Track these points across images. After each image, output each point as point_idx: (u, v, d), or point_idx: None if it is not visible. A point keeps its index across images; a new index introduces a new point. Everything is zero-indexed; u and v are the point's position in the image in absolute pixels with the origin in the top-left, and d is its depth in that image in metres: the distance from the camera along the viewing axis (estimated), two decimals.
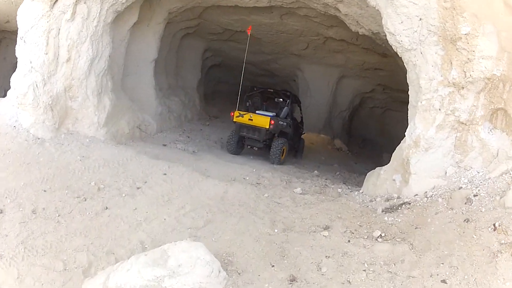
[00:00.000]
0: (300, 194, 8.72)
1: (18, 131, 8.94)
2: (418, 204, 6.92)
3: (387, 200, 7.77)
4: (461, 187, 6.66)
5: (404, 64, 8.38)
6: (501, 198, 5.83)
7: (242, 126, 12.88)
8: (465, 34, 6.93)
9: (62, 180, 7.52)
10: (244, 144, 13.48)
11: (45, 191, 7.08)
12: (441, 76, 7.41)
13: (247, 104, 14.22)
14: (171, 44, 17.39)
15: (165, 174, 8.75)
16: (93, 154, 9.04)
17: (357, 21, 11.31)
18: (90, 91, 10.31)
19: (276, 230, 6.66)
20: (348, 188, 9.88)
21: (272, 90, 14.77)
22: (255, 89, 14.15)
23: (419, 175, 7.60)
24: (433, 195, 6.96)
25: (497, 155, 6.90)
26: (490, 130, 7.10)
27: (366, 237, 6.33)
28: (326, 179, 11.50)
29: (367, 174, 9.42)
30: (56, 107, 9.56)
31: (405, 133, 8.26)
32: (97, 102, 10.48)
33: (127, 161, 9.12)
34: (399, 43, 8.10)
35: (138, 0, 11.56)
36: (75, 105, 10.12)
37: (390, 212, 7.04)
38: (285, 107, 13.80)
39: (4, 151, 8.21)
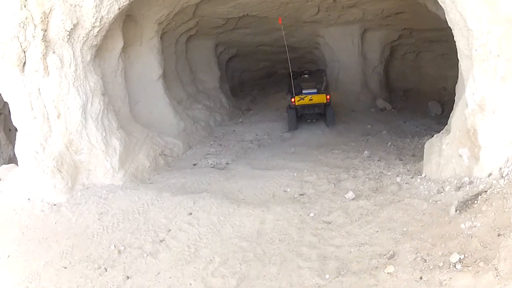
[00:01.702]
0: (354, 199, 7.59)
1: (33, 203, 8.46)
2: (496, 191, 5.62)
3: (458, 188, 6.49)
4: None
5: (440, 2, 7.03)
6: None
7: (303, 106, 15.25)
8: None
9: (81, 250, 6.97)
10: (302, 119, 15.79)
11: (65, 268, 6.58)
12: (489, 11, 6.01)
13: (289, 87, 15.76)
14: (177, 52, 16.82)
15: (190, 213, 7.79)
16: (111, 207, 8.41)
17: None
18: (93, 139, 9.63)
19: (327, 276, 5.44)
20: (408, 171, 8.67)
21: (307, 71, 17.27)
22: (293, 75, 15.43)
23: (491, 148, 6.32)
24: (509, 173, 5.78)
25: None
26: None
27: (442, 264, 4.92)
28: (379, 159, 10.31)
29: (425, 147, 8.21)
30: (63, 167, 8.97)
31: (465, 95, 6.83)
32: (105, 147, 9.78)
33: (148, 207, 8.30)
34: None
35: (114, 26, 10.61)
36: (83, 157, 9.50)
37: (466, 210, 5.70)
38: (324, 82, 16.03)
39: (22, 229, 7.82)
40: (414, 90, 23.57)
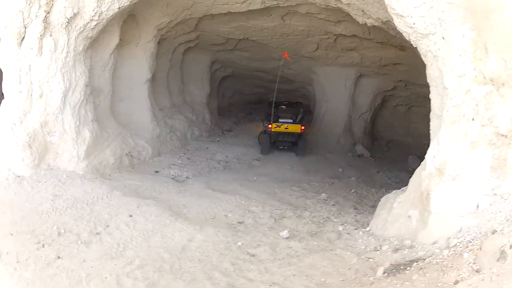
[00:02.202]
0: (286, 238, 7.40)
1: (0, 169, 8.78)
2: (435, 262, 5.23)
3: (396, 250, 6.14)
4: (496, 230, 5.00)
5: (422, 57, 6.71)
6: None
7: (278, 133, 16.12)
8: (500, 2, 5.16)
9: (29, 223, 7.25)
10: (275, 145, 16.53)
11: (12, 234, 6.87)
12: (474, 69, 5.60)
13: (267, 114, 17.10)
14: (172, 61, 16.88)
15: (131, 216, 7.96)
16: (66, 192, 8.61)
17: (362, 10, 10.03)
18: (67, 125, 9.88)
19: None
20: (356, 221, 8.50)
21: (286, 102, 18.41)
22: (273, 102, 16.65)
23: (442, 215, 5.87)
24: (458, 245, 5.31)
25: None
26: None
27: None
28: (334, 204, 10.21)
29: (380, 202, 7.87)
30: (34, 144, 9.25)
31: (426, 156, 6.52)
32: (76, 135, 10.00)
33: (96, 200, 8.51)
34: (410, 27, 6.34)
35: (113, 22, 10.85)
36: (54, 139, 9.74)
37: (395, 275, 5.31)
38: (300, 114, 16.85)
39: None
40: (399, 142, 23.26)
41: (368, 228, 7.51)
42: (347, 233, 7.58)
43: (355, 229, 7.76)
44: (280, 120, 16.23)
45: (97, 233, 7.19)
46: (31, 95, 9.29)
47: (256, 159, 15.47)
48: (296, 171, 14.13)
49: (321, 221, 8.59)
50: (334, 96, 19.79)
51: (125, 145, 11.78)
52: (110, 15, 9.81)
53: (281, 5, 12.18)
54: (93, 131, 10.50)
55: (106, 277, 5.89)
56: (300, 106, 17.79)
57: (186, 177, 11.74)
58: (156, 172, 11.80)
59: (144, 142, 12.81)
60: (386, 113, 23.83)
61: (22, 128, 9.06)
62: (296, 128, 16.19)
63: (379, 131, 23.90)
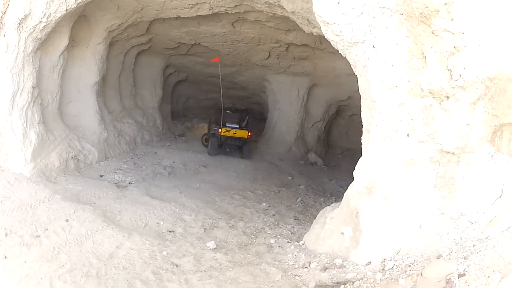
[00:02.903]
0: (213, 249, 7.32)
1: None
2: (365, 285, 4.84)
3: (325, 269, 5.79)
4: (441, 255, 4.52)
5: (352, 67, 6.26)
6: (502, 278, 3.52)
7: (227, 137, 17.28)
8: (445, 3, 4.57)
9: None
10: (222, 148, 17.56)
11: None
12: (409, 80, 5.13)
13: (212, 119, 19.25)
14: (124, 63, 16.72)
15: (67, 220, 7.98)
16: (13, 194, 8.57)
17: (307, 19, 10.11)
18: (15, 126, 9.88)
19: None
20: (292, 233, 8.40)
21: (234, 109, 20.14)
22: (220, 109, 18.16)
23: (375, 235, 5.43)
24: (394, 268, 4.90)
25: (502, 195, 4.59)
26: (492, 156, 4.68)
27: None
28: (274, 214, 10.12)
29: (318, 214, 7.57)
30: None
31: (353, 173, 6.16)
32: (23, 137, 9.98)
33: (39, 204, 8.51)
34: (337, 35, 5.69)
35: (62, 23, 10.77)
36: (4, 141, 9.77)
37: None
38: (245, 120, 18.43)
39: None
40: (355, 151, 22.01)
41: (301, 242, 7.24)
42: (279, 246, 7.42)
43: (288, 242, 7.58)
44: (227, 125, 17.48)
45: (37, 236, 7.25)
46: None
47: (203, 165, 15.30)
48: (242, 179, 13.99)
49: (255, 232, 8.45)
50: (286, 105, 19.90)
51: (71, 148, 11.60)
52: (58, 16, 9.79)
53: (230, 12, 12.23)
54: (39, 133, 10.44)
55: (41, 278, 6.03)
56: (246, 113, 19.36)
57: (129, 183, 11.66)
58: (101, 176, 11.66)
59: (90, 145, 12.63)
60: (341, 122, 23.84)
61: None
62: (243, 133, 17.40)
63: (334, 139, 23.85)
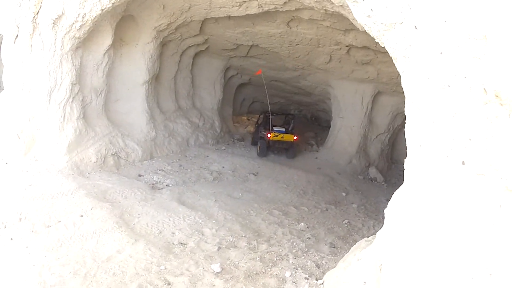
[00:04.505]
0: (216, 273, 6.53)
1: None
2: None
3: None
4: None
5: (394, 63, 4.93)
6: None
7: (275, 141, 17.85)
8: None
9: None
10: (270, 149, 18.23)
11: None
12: (465, 77, 3.42)
13: (259, 123, 20.57)
14: (181, 64, 16.70)
15: (81, 216, 7.99)
16: (39, 183, 9.02)
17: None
18: (52, 120, 10.38)
19: None
20: (317, 266, 7.18)
21: (280, 113, 22.16)
22: (267, 115, 19.28)
23: None
24: None
25: None
26: None
27: None
28: (309, 238, 8.82)
29: (351, 249, 6.42)
30: (22, 135, 10.14)
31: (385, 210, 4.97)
32: (59, 131, 10.41)
33: (60, 196, 8.76)
34: (368, 16, 4.51)
35: (103, 23, 10.97)
36: (40, 133, 10.34)
37: None
38: (291, 124, 19.26)
39: None
40: None
41: (320, 282, 6.13)
42: (293, 282, 6.41)
43: (306, 278, 6.52)
44: (275, 129, 18.13)
45: (48, 226, 7.54)
46: (22, 89, 10.06)
47: (254, 173, 14.20)
48: (290, 192, 12.68)
49: (275, 259, 7.37)
50: (350, 113, 18.66)
51: (112, 145, 11.65)
52: (94, 16, 9.98)
53: (280, 10, 11.68)
54: (77, 128, 10.68)
55: (33, 265, 6.22)
56: (292, 118, 20.12)
57: (166, 185, 11.23)
58: (140, 175, 11.45)
59: (135, 144, 12.61)
60: None
61: (14, 119, 10.09)
62: (290, 137, 18.09)
63: (398, 154, 21.15)
